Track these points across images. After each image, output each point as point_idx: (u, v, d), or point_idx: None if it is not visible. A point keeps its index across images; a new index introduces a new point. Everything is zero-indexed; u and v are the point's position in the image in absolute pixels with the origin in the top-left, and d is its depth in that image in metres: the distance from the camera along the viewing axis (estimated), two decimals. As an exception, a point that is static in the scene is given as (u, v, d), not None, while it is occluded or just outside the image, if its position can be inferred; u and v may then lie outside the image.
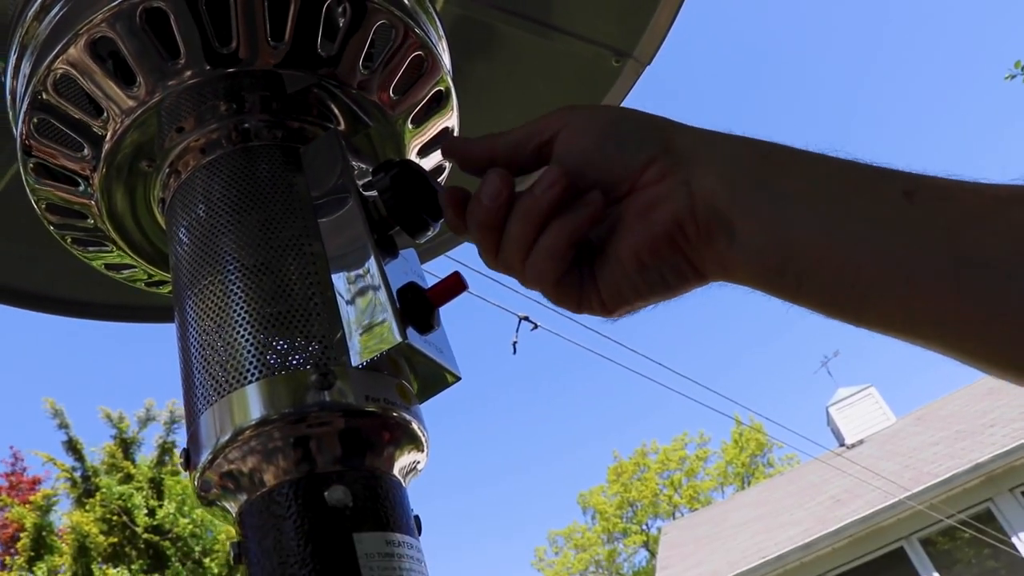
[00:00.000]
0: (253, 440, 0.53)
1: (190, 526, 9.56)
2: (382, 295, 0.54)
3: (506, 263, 0.54)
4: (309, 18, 0.64)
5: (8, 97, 0.73)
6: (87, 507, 9.36)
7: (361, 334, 0.54)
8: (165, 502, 9.69)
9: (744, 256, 0.47)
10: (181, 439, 7.49)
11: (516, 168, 0.57)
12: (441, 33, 0.77)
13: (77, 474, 9.74)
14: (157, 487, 9.86)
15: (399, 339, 0.52)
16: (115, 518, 9.31)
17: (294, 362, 0.55)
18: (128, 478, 9.81)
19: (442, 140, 0.59)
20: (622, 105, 0.55)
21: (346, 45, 0.65)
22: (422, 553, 0.54)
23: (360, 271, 0.56)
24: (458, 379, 0.60)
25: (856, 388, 13.41)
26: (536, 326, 4.24)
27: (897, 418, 12.82)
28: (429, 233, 0.60)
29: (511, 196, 0.53)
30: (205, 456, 0.55)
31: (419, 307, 0.56)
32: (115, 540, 9.24)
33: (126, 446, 10.16)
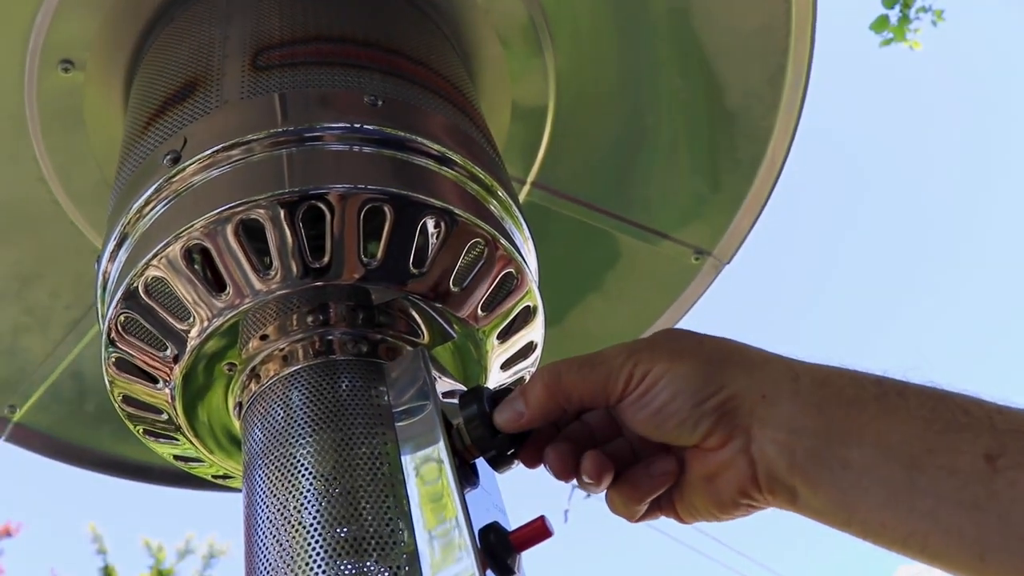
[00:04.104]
0: None
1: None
2: (464, 536, 0.52)
3: None
4: (402, 234, 0.64)
5: (100, 277, 0.73)
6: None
7: None
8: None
9: (808, 513, 0.49)
10: (217, 574, 7.36)
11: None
12: (527, 235, 0.76)
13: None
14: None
15: None
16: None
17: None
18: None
19: (499, 413, 0.55)
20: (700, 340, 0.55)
21: (436, 261, 0.65)
22: None
23: (440, 503, 0.54)
24: None
25: None
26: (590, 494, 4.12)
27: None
28: (513, 466, 0.57)
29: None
30: None
31: (501, 551, 0.52)
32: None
33: (161, 577, 9.98)
